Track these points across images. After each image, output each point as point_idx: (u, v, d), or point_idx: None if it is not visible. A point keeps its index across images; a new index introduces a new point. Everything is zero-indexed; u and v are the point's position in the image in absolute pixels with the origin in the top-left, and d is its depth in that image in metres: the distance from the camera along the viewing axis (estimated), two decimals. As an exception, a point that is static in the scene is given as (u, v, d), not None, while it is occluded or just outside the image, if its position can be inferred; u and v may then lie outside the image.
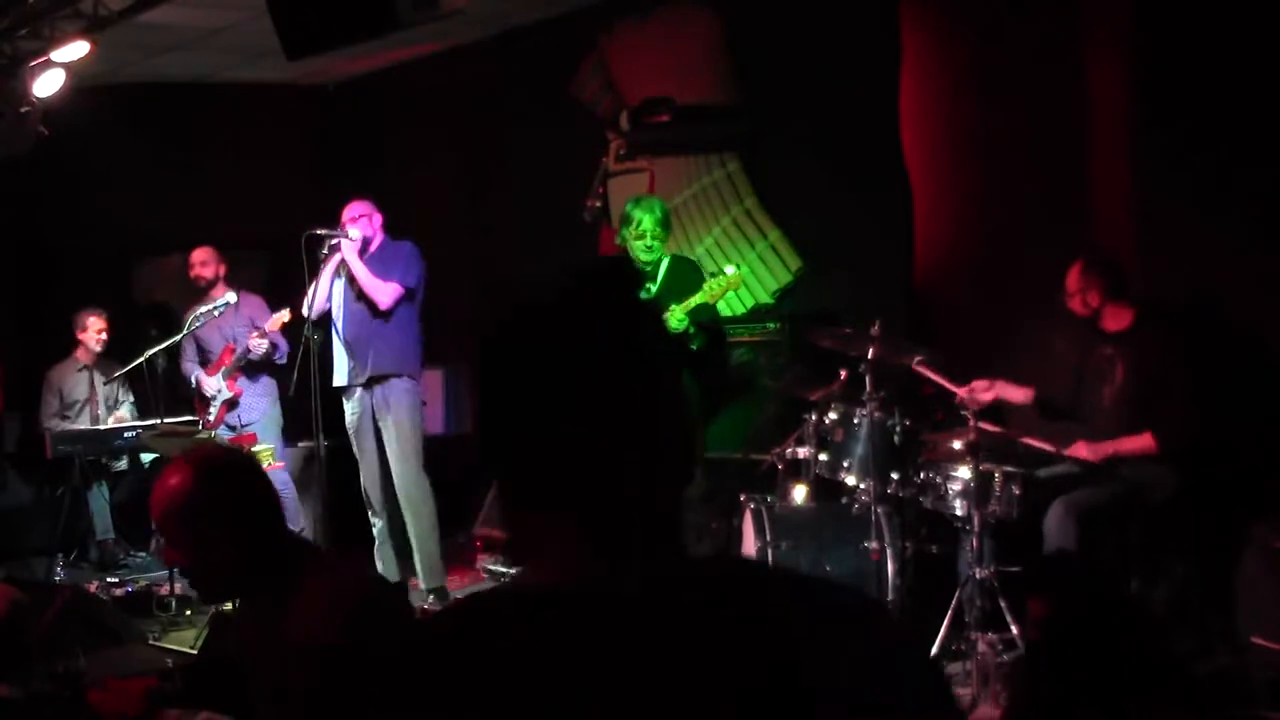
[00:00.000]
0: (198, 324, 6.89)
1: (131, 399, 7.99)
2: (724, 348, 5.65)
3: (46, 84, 6.36)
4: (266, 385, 7.09)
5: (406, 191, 6.10)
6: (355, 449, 6.27)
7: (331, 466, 7.73)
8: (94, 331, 7.80)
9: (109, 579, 6.83)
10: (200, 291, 7.17)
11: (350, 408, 6.24)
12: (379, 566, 6.24)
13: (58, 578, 7.01)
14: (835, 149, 6.42)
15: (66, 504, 7.47)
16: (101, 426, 7.69)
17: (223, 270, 7.19)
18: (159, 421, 6.92)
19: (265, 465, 6.48)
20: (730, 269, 5.54)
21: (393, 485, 6.18)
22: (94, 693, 3.34)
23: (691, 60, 7.13)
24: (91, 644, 4.28)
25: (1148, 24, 5.35)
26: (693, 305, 5.26)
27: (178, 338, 7.00)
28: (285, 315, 6.56)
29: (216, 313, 6.98)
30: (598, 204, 6.17)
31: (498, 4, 7.16)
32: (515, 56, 8.02)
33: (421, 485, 6.18)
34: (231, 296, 6.98)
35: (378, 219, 6.19)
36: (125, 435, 7.46)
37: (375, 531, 6.34)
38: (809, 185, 6.57)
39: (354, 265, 6.05)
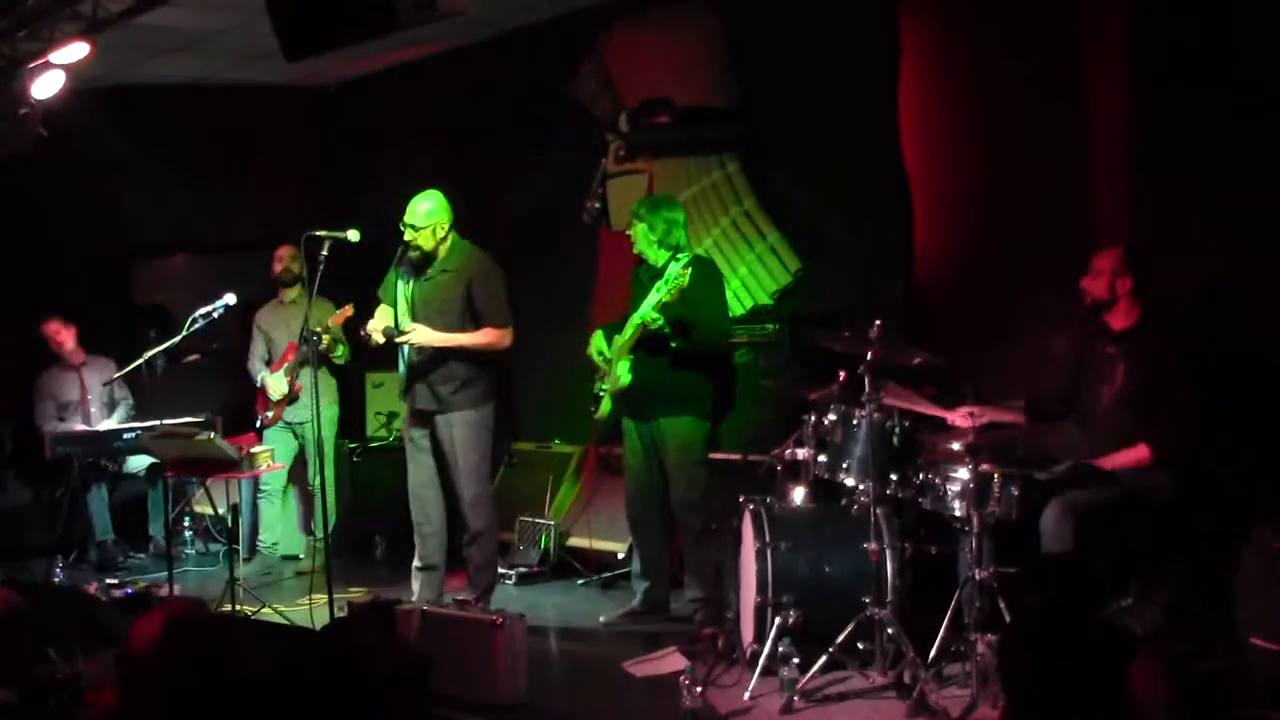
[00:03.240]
0: (196, 325, 6.90)
1: (130, 399, 7.99)
2: (710, 342, 5.63)
3: (46, 85, 6.36)
4: (324, 385, 7.00)
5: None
6: (409, 456, 5.98)
7: (345, 470, 7.81)
8: (54, 337, 7.83)
9: (108, 580, 6.82)
10: (280, 285, 7.40)
11: (412, 421, 5.94)
12: (415, 589, 6.00)
13: (57, 579, 7.02)
14: (835, 150, 6.41)
15: (66, 505, 7.47)
16: (100, 427, 7.70)
17: (304, 270, 7.26)
18: (158, 423, 6.93)
19: (264, 466, 6.55)
20: (674, 266, 5.53)
21: (441, 503, 5.93)
22: (93, 693, 3.35)
23: (691, 61, 7.13)
24: (91, 645, 4.27)
25: (1148, 24, 5.35)
26: (660, 303, 5.35)
27: (177, 339, 7.03)
28: (348, 310, 6.48)
29: (216, 314, 7.00)
30: (597, 204, 6.19)
31: (497, 5, 7.16)
32: (515, 57, 8.02)
33: (487, 514, 5.91)
34: (231, 298, 6.99)
35: (443, 225, 5.76)
36: (124, 436, 7.47)
37: (419, 552, 6.01)
38: (808, 186, 6.57)
39: (449, 340, 5.68)
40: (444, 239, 5.80)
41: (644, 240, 5.69)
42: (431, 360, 5.77)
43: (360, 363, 6.57)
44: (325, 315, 6.68)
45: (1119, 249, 4.91)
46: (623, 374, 5.65)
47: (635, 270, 5.87)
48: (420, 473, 5.95)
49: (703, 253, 6.72)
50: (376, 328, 5.85)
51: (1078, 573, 3.82)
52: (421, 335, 5.70)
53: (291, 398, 7.16)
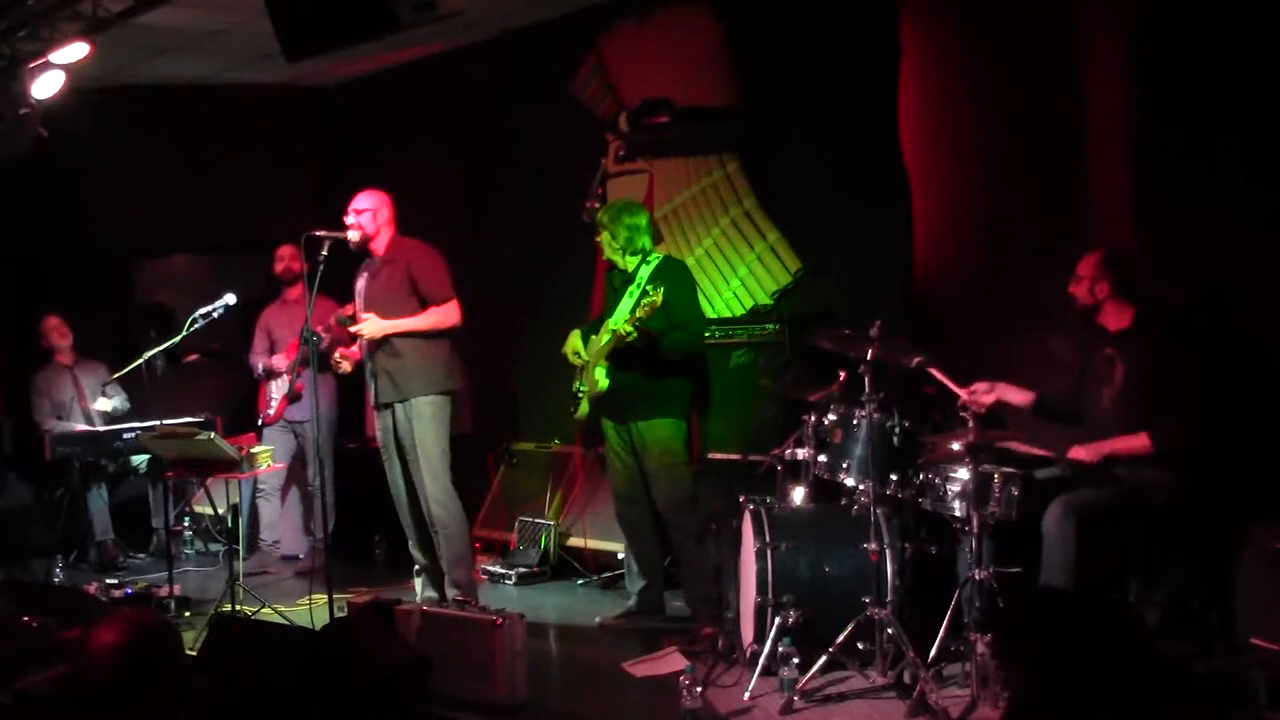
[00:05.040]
0: (196, 325, 6.90)
1: (124, 394, 7.98)
2: (687, 345, 5.62)
3: (46, 85, 6.36)
4: (323, 385, 7.00)
5: (406, 192, 6.08)
6: (384, 460, 6.02)
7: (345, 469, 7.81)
8: (52, 332, 7.84)
9: (108, 580, 6.83)
10: (283, 285, 7.43)
11: (379, 423, 6.01)
12: (418, 589, 6.06)
13: (57, 579, 7.01)
14: (835, 150, 6.42)
15: (66, 505, 7.48)
16: (99, 427, 7.70)
17: (306, 268, 7.26)
18: (158, 423, 6.93)
19: (264, 466, 6.55)
20: (645, 270, 5.67)
21: (420, 506, 5.92)
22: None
23: (690, 61, 7.13)
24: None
25: (1147, 25, 5.35)
26: (635, 318, 5.39)
27: (177, 339, 7.02)
28: (350, 309, 6.50)
29: (216, 314, 6.99)
30: (597, 205, 6.20)
31: (496, 5, 7.16)
32: (514, 58, 8.02)
33: (450, 508, 5.88)
34: (231, 298, 6.99)
35: (384, 214, 5.92)
36: (124, 436, 7.47)
37: (413, 553, 6.08)
38: (808, 186, 6.57)
39: (398, 326, 5.79)
40: (384, 226, 5.92)
41: (609, 248, 5.77)
42: (386, 349, 5.84)
43: (360, 362, 6.57)
44: (329, 314, 6.71)
45: (1097, 254, 4.91)
46: (600, 378, 5.68)
47: (608, 275, 5.93)
48: (396, 475, 5.98)
49: (702, 253, 6.74)
50: (346, 357, 6.04)
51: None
52: (372, 325, 5.81)
53: (293, 396, 7.18)
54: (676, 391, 5.69)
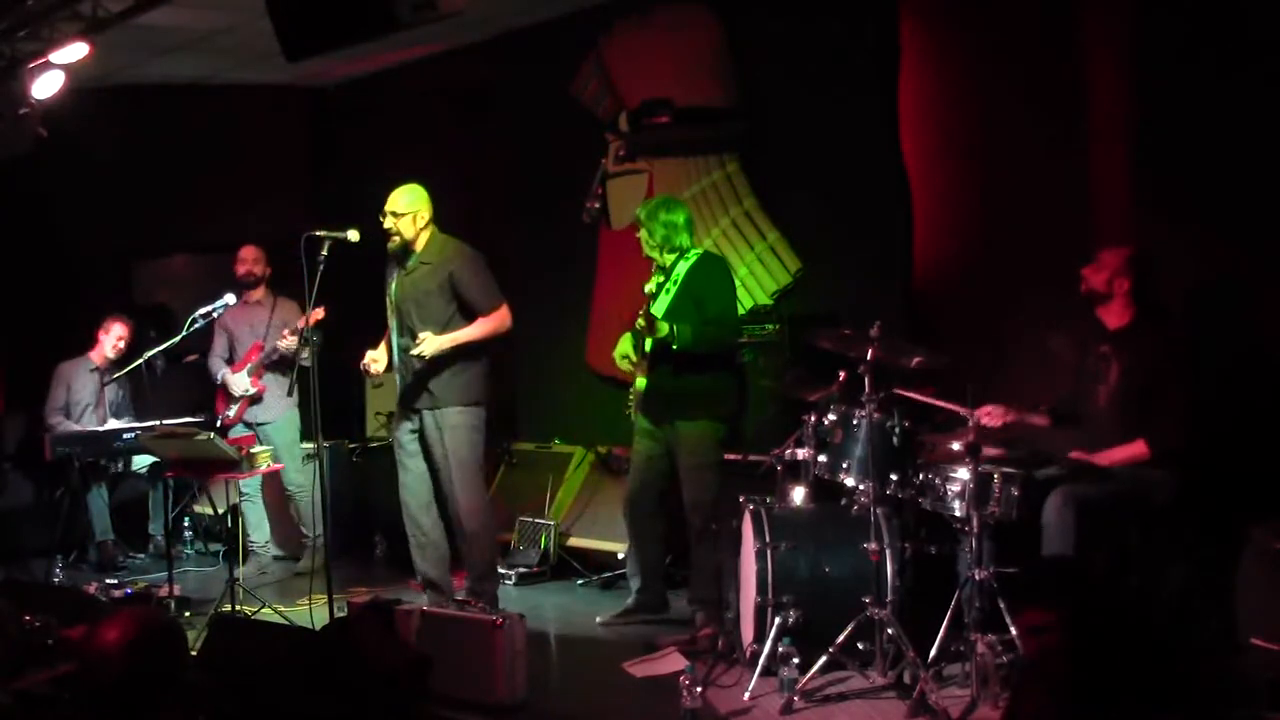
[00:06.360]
0: (196, 324, 6.90)
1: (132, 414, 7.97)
2: (718, 339, 5.59)
3: (45, 85, 6.36)
4: (284, 386, 6.95)
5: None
6: (399, 465, 5.89)
7: (345, 470, 7.80)
8: (114, 337, 7.80)
9: (108, 580, 6.83)
10: (244, 288, 7.28)
11: (401, 425, 5.87)
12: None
13: (57, 579, 7.02)
14: (835, 150, 6.42)
15: (66, 505, 7.48)
16: (104, 428, 7.69)
17: (268, 271, 7.20)
18: (158, 423, 6.93)
19: (265, 467, 6.54)
20: (682, 265, 5.63)
21: (435, 508, 5.82)
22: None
23: (691, 61, 7.14)
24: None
25: (1148, 23, 5.35)
26: (647, 311, 5.43)
27: (176, 339, 7.02)
28: (319, 313, 6.41)
29: (215, 314, 7.00)
30: (596, 205, 6.17)
31: (497, 5, 7.16)
32: (515, 57, 8.02)
33: (484, 520, 5.82)
34: (230, 298, 6.99)
35: (424, 217, 5.74)
36: (124, 437, 7.46)
37: (417, 565, 5.93)
38: (809, 186, 6.57)
39: (456, 339, 5.64)
40: (423, 229, 5.79)
41: (647, 246, 5.68)
42: (425, 358, 5.70)
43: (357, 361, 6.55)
44: (293, 317, 6.72)
45: (1129, 250, 4.92)
46: (640, 377, 5.67)
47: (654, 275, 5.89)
48: (411, 480, 5.86)
49: (703, 252, 6.72)
50: (378, 359, 5.92)
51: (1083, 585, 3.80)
52: (432, 344, 5.62)
53: (255, 398, 7.14)
54: (712, 391, 5.58)
